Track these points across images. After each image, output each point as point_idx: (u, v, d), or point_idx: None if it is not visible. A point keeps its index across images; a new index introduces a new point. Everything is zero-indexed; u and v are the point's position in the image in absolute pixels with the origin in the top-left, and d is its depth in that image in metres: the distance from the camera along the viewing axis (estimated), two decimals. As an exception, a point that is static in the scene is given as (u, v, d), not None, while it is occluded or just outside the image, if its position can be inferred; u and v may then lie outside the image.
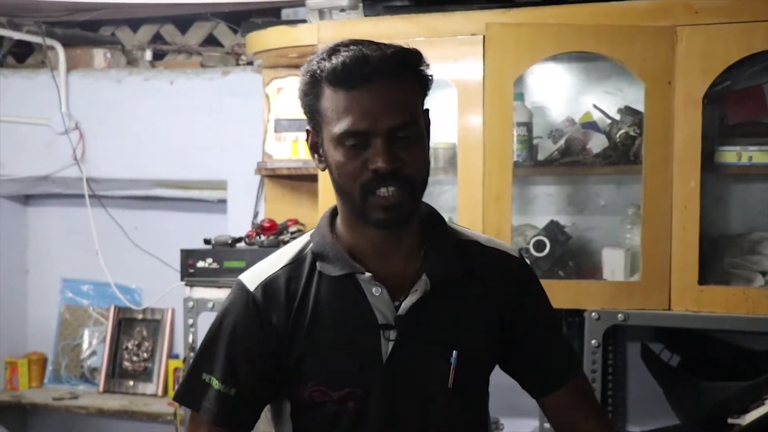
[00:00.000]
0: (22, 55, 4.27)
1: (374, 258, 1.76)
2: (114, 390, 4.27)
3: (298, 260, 1.80)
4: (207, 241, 3.35)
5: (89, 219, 4.16)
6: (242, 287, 1.79)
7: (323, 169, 1.74)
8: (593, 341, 2.92)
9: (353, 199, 1.67)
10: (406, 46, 1.70)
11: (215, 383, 1.78)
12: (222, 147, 3.76)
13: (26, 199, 4.54)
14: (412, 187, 1.66)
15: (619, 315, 2.89)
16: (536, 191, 3.43)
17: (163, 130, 3.93)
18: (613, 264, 3.09)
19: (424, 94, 1.74)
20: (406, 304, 1.73)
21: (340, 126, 1.63)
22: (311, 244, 1.81)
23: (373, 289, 1.73)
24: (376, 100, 1.61)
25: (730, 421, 2.86)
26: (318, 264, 1.77)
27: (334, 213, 1.82)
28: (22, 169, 4.18)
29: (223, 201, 3.88)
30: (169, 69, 4.00)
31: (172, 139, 3.91)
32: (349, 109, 1.62)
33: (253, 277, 1.80)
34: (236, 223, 3.75)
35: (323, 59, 1.65)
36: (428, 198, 3.43)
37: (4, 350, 4.44)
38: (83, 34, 4.07)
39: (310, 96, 1.69)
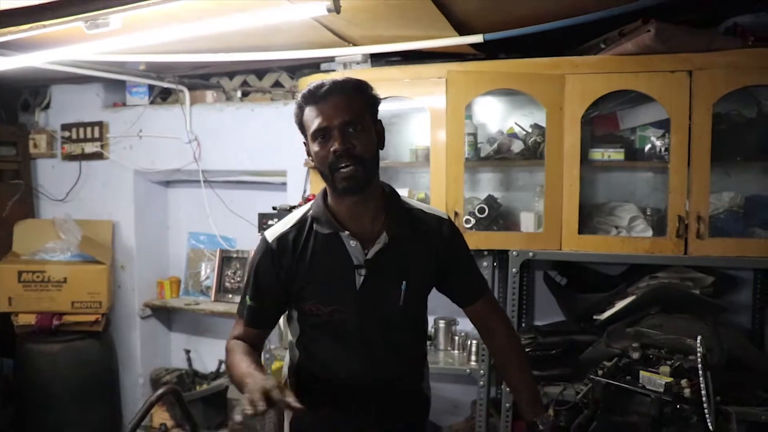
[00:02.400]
0: (164, 96, 4.25)
1: (351, 221, 1.76)
2: (220, 300, 4.25)
3: (302, 221, 1.81)
4: (274, 208, 3.29)
5: (203, 195, 4.17)
6: (265, 240, 1.81)
7: (313, 167, 1.75)
8: (514, 270, 2.93)
9: (326, 176, 1.70)
10: (357, 78, 1.75)
11: (248, 301, 1.83)
12: (283, 149, 3.73)
13: (167, 184, 4.51)
14: (362, 163, 1.67)
15: (530, 253, 2.90)
16: (480, 176, 3.40)
17: (247, 139, 3.90)
18: (527, 222, 3.09)
19: (373, 110, 1.75)
20: (372, 251, 1.76)
21: (313, 127, 1.67)
22: (311, 211, 1.81)
23: (351, 242, 1.75)
24: (331, 107, 1.65)
25: (594, 317, 2.91)
26: (314, 225, 1.78)
27: (326, 190, 1.80)
28: (165, 165, 4.15)
29: (284, 183, 3.83)
30: (252, 102, 3.96)
31: (253, 144, 3.88)
32: (316, 114, 1.66)
33: (272, 234, 1.81)
34: (292, 197, 3.74)
35: (303, 90, 1.71)
36: (412, 180, 3.49)
37: (156, 275, 4.44)
38: (200, 81, 4.03)
39: (299, 116, 1.73)
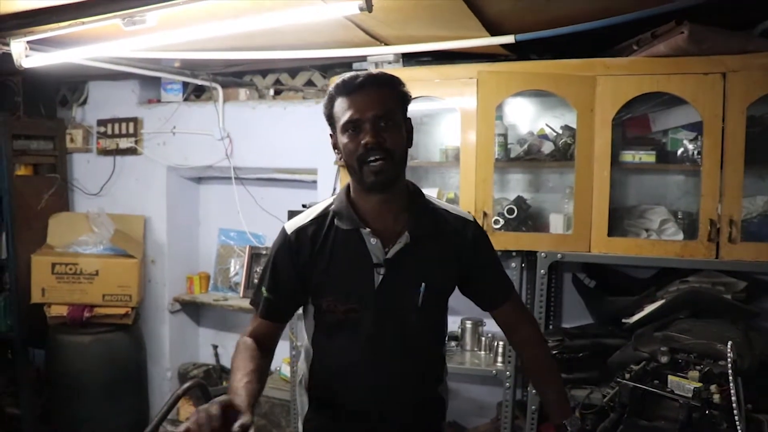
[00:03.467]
0: (198, 93, 4.30)
1: (373, 218, 1.74)
2: (248, 296, 4.12)
3: (323, 215, 1.79)
4: (304, 206, 3.15)
5: (234, 192, 4.19)
6: (284, 232, 1.79)
7: (340, 159, 1.72)
8: (542, 271, 2.91)
9: (354, 169, 1.68)
10: (391, 74, 1.73)
11: (265, 293, 1.79)
12: (314, 147, 3.71)
13: (199, 180, 4.56)
14: (392, 157, 1.65)
15: (559, 255, 2.89)
16: (509, 177, 3.39)
17: (279, 137, 3.92)
18: (556, 223, 3.09)
19: (404, 107, 1.73)
20: (392, 251, 1.73)
21: (344, 119, 1.65)
22: (332, 205, 1.79)
23: (371, 240, 1.73)
24: (364, 99, 1.64)
25: (623, 320, 2.88)
26: (335, 220, 1.76)
27: (349, 186, 1.79)
28: (197, 162, 4.19)
29: (314, 181, 3.90)
30: (284, 100, 3.98)
31: (285, 142, 3.90)
32: (348, 106, 1.65)
33: (291, 226, 1.79)
34: (322, 195, 3.74)
35: (336, 81, 1.70)
36: (441, 180, 3.50)
37: (186, 270, 4.53)
38: (233, 79, 4.06)
39: (329, 108, 1.71)
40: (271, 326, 1.82)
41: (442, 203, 1.89)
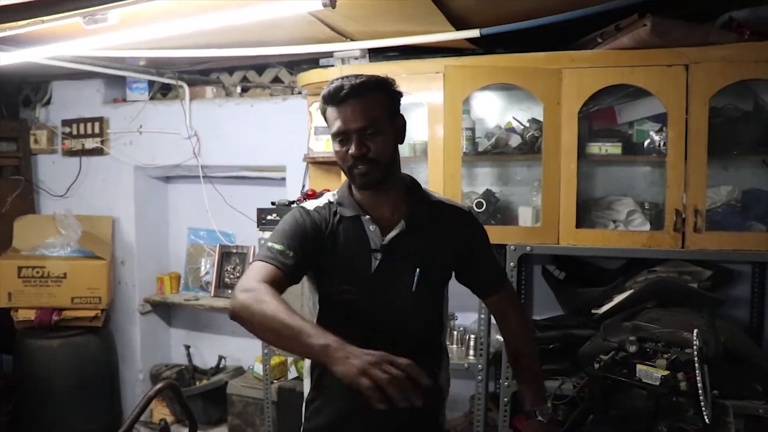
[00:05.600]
0: (164, 92, 4.28)
1: (372, 208, 1.83)
2: (219, 295, 4.26)
3: (328, 204, 1.87)
4: (273, 203, 3.32)
5: (203, 191, 4.18)
6: (302, 206, 1.87)
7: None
8: (511, 263, 2.90)
9: (345, 172, 1.79)
10: (377, 75, 1.78)
11: (278, 246, 1.73)
12: (283, 144, 3.76)
13: (167, 179, 4.54)
14: (376, 164, 1.73)
15: (528, 247, 2.90)
16: (477, 171, 3.38)
17: (247, 135, 3.92)
18: (525, 216, 3.09)
19: (393, 106, 1.79)
20: (389, 237, 1.81)
21: (332, 128, 1.75)
22: (336, 196, 1.88)
23: (371, 227, 1.81)
24: (349, 111, 1.70)
25: (593, 311, 2.91)
26: (338, 209, 1.84)
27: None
28: (164, 161, 4.19)
29: (283, 178, 3.91)
30: (251, 97, 3.98)
31: (253, 140, 3.90)
32: (335, 118, 1.73)
33: (310, 205, 1.87)
34: (291, 192, 3.76)
35: (326, 88, 1.75)
36: (410, 174, 3.49)
37: (156, 270, 4.50)
38: (200, 77, 4.05)
39: (323, 111, 1.78)
40: (278, 276, 1.70)
41: (440, 196, 1.99)
